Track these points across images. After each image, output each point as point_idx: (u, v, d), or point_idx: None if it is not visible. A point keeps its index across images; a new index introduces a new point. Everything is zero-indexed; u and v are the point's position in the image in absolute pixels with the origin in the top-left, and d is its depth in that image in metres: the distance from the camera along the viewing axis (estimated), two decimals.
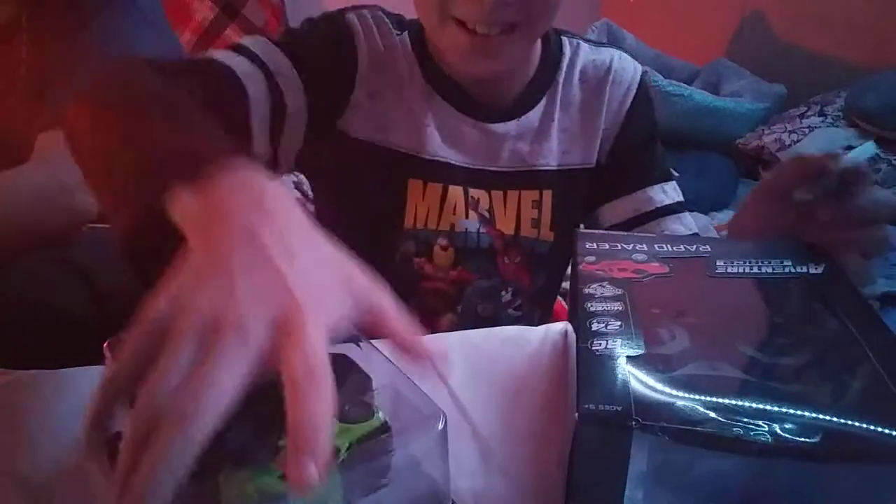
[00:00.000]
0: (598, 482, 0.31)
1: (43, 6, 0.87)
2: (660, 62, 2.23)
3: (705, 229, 1.61)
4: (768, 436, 0.29)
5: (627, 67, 0.73)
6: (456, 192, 0.68)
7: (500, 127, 0.69)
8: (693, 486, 0.31)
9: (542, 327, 0.51)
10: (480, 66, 0.62)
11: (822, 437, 0.29)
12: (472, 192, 0.69)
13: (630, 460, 0.30)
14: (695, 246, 0.46)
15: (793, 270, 0.43)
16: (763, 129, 1.97)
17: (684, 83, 2.06)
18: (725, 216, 1.74)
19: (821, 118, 1.91)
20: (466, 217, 0.69)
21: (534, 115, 0.70)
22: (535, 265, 0.73)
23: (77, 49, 0.85)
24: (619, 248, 0.46)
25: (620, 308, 0.38)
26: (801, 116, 1.94)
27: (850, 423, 0.29)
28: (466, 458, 0.39)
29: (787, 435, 0.29)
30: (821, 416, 0.30)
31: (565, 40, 0.72)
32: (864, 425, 0.29)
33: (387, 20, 0.68)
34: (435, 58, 0.67)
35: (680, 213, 0.72)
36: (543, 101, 0.70)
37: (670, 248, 0.46)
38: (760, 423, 0.29)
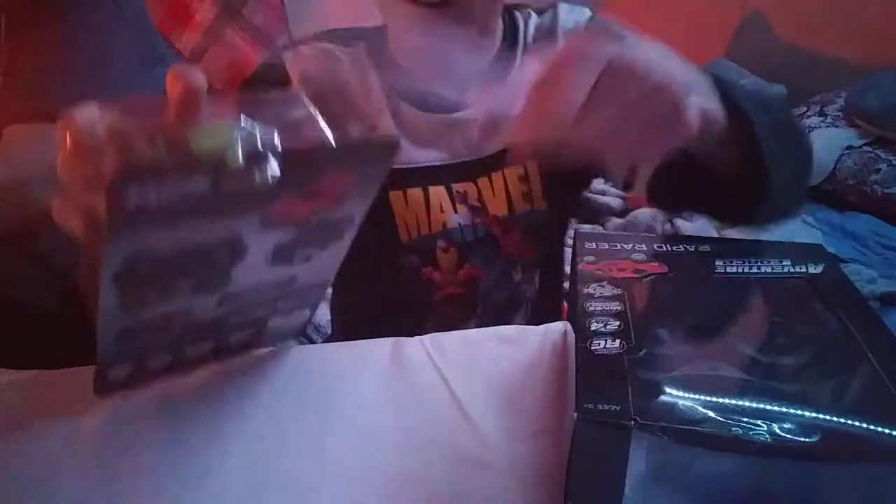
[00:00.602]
0: (598, 482, 0.31)
1: None
2: None
3: (705, 229, 1.61)
4: (767, 435, 0.29)
5: (571, 17, 0.72)
6: (437, 191, 0.68)
7: (468, 114, 0.68)
8: (692, 486, 0.31)
9: (542, 327, 0.51)
10: (429, 39, 0.61)
11: (822, 437, 0.29)
12: (458, 186, 0.69)
13: (629, 460, 0.30)
14: (694, 246, 0.46)
15: (792, 270, 0.43)
16: None
17: None
18: None
19: (821, 118, 1.91)
20: (455, 212, 0.69)
21: (495, 98, 0.69)
22: (537, 236, 0.73)
23: (49, 43, 0.85)
24: (619, 247, 0.46)
25: (619, 308, 0.38)
26: (801, 116, 1.94)
27: (849, 422, 0.29)
28: (466, 457, 0.39)
29: (786, 435, 0.29)
30: (820, 416, 0.30)
31: (518, 15, 0.72)
32: (864, 425, 0.29)
33: (330, 45, 0.67)
34: (394, 59, 0.67)
35: None
36: (508, 81, 0.70)
37: (670, 248, 0.46)
38: (759, 422, 0.29)
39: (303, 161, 0.34)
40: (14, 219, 0.76)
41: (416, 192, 0.67)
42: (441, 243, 0.70)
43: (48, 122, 0.86)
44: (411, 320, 0.72)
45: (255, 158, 0.32)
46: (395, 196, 0.67)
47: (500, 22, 0.70)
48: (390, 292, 0.72)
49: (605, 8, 2.57)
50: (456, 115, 0.68)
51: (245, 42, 1.91)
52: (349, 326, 0.83)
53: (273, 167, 0.32)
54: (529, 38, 0.71)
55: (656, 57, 0.39)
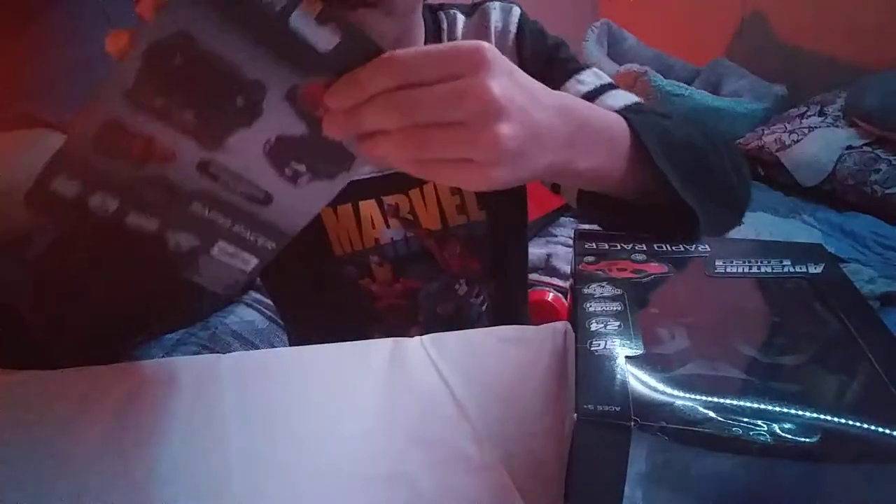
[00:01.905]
0: (598, 482, 0.31)
1: None
2: (660, 62, 2.23)
3: None
4: (767, 436, 0.29)
5: (502, 16, 0.69)
6: (368, 205, 0.66)
7: None
8: (692, 487, 0.31)
9: (542, 327, 0.51)
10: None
11: (822, 437, 0.29)
12: (389, 199, 0.67)
13: (629, 460, 0.30)
14: (694, 246, 0.46)
15: (792, 270, 0.43)
16: (763, 129, 1.98)
17: (684, 83, 2.07)
18: None
19: (821, 118, 1.91)
20: (387, 226, 0.67)
21: None
22: (479, 248, 0.70)
23: (28, 43, 0.85)
24: (619, 248, 0.46)
25: (619, 308, 0.38)
26: (801, 116, 1.94)
27: (849, 422, 0.29)
28: (465, 458, 0.39)
29: (786, 435, 0.29)
30: (820, 416, 0.30)
31: (441, 15, 0.69)
32: (864, 425, 0.29)
33: None
34: None
35: (609, 91, 0.64)
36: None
37: (669, 248, 0.46)
38: (759, 422, 0.29)
39: (358, 43, 0.35)
40: (2, 227, 0.76)
41: (346, 208, 0.66)
42: (374, 258, 0.69)
43: (34, 126, 0.85)
44: (355, 329, 0.71)
45: (326, 16, 0.34)
46: (325, 212, 0.65)
47: (422, 23, 0.67)
48: (331, 302, 0.71)
49: (606, 8, 2.57)
50: None
51: None
52: (299, 336, 0.83)
53: (333, 34, 0.34)
54: (458, 36, 0.68)
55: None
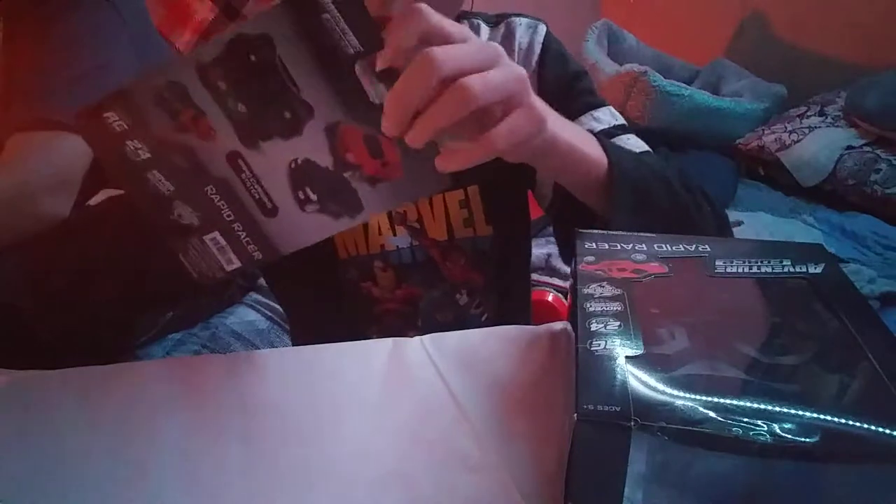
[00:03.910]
0: (598, 482, 0.31)
1: (12, 1, 0.85)
2: (660, 62, 2.23)
3: None
4: (767, 436, 0.29)
5: (528, 33, 0.69)
6: None
7: None
8: (693, 487, 0.31)
9: (542, 327, 0.51)
10: None
11: (822, 437, 0.29)
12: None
13: (629, 461, 0.30)
14: (694, 245, 0.46)
15: (792, 270, 0.43)
16: (763, 129, 1.97)
17: (684, 83, 2.06)
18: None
19: (821, 118, 1.91)
20: (394, 234, 0.68)
21: None
22: (483, 262, 0.71)
23: (47, 46, 0.85)
24: (619, 247, 0.46)
25: (619, 308, 0.38)
26: (801, 116, 1.94)
27: (849, 422, 0.29)
28: (465, 458, 0.39)
29: (786, 435, 0.29)
30: (820, 416, 0.30)
31: (465, 24, 0.69)
32: (864, 425, 0.29)
33: None
34: None
35: (620, 135, 0.65)
36: None
37: (670, 248, 0.46)
38: (759, 422, 0.29)
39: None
40: (13, 230, 0.76)
41: None
42: (378, 264, 0.69)
43: (50, 129, 0.85)
44: (353, 330, 0.71)
45: (386, 75, 0.38)
46: None
47: None
48: (332, 303, 0.71)
49: (606, 9, 2.57)
50: None
51: None
52: (301, 335, 0.83)
53: (386, 92, 0.38)
54: None
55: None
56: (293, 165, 0.42)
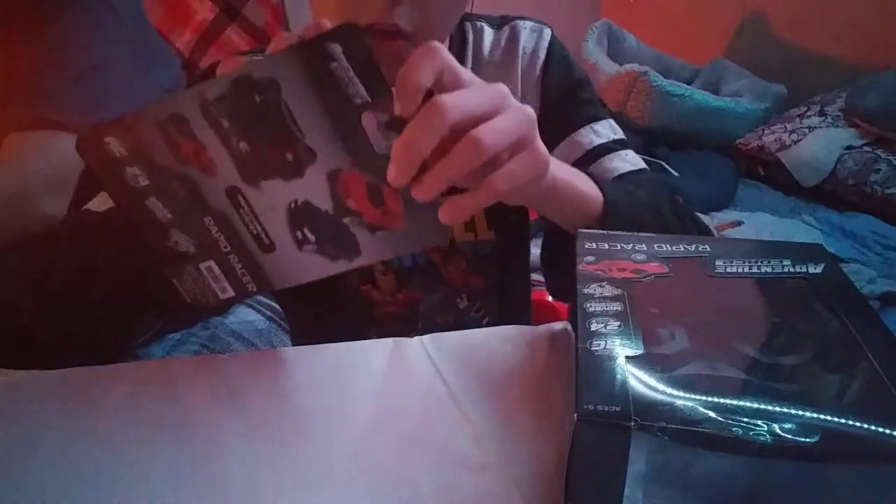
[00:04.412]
0: (597, 483, 0.31)
1: (10, 0, 0.85)
2: (660, 62, 2.23)
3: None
4: (767, 436, 0.29)
5: (532, 37, 0.69)
6: None
7: None
8: (693, 487, 0.31)
9: (542, 327, 0.51)
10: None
11: (822, 437, 0.29)
12: None
13: (630, 460, 0.30)
14: (694, 245, 0.46)
15: (792, 270, 0.43)
16: (763, 129, 1.98)
17: (684, 83, 2.07)
18: (725, 216, 1.74)
19: (821, 118, 1.91)
20: None
21: None
22: (484, 265, 0.71)
23: (44, 46, 0.85)
24: (619, 247, 0.46)
25: (620, 308, 0.38)
26: (801, 116, 1.94)
27: (849, 423, 0.29)
28: (465, 458, 0.39)
29: (786, 435, 0.29)
30: (820, 416, 0.30)
31: (467, 26, 0.69)
32: (864, 425, 0.29)
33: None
34: None
35: (619, 150, 0.66)
36: None
37: (670, 248, 0.46)
38: (760, 422, 0.29)
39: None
40: (11, 230, 0.76)
41: None
42: (379, 267, 0.69)
43: (48, 128, 0.85)
44: (353, 332, 0.71)
45: (393, 126, 0.37)
46: None
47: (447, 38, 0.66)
48: (331, 305, 0.71)
49: (606, 9, 2.57)
50: None
51: (245, 42, 1.91)
52: (301, 335, 0.83)
53: (390, 143, 0.37)
54: (484, 53, 0.68)
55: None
56: (292, 206, 0.42)
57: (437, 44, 0.38)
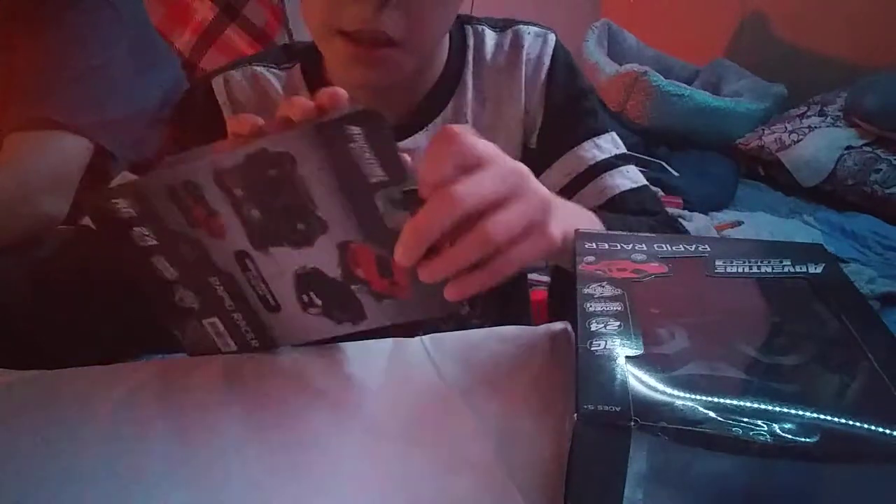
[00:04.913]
0: (597, 483, 0.31)
1: (10, 0, 0.85)
2: (660, 62, 2.23)
3: (706, 230, 1.60)
4: (767, 436, 0.29)
5: (537, 42, 0.68)
6: None
7: (408, 143, 0.64)
8: (693, 486, 0.31)
9: (542, 327, 0.51)
10: (365, 77, 0.58)
11: (822, 437, 0.29)
12: None
13: (630, 460, 0.30)
14: (694, 245, 0.46)
15: (792, 270, 0.43)
16: (763, 129, 1.97)
17: (684, 83, 2.06)
18: (725, 216, 1.74)
19: (821, 118, 1.91)
20: None
21: (442, 121, 0.65)
22: None
23: (45, 46, 0.85)
24: (619, 247, 0.46)
25: (619, 308, 0.38)
26: (801, 116, 1.94)
27: (849, 423, 0.29)
28: (465, 458, 0.39)
29: (786, 435, 0.29)
30: (820, 416, 0.30)
31: (468, 29, 0.68)
32: (864, 425, 0.29)
33: (260, 68, 0.66)
34: (331, 79, 0.64)
35: (621, 166, 0.66)
36: (452, 103, 0.66)
37: (670, 248, 0.46)
38: (760, 423, 0.29)
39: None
40: (12, 230, 0.76)
41: None
42: None
43: (49, 128, 0.85)
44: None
45: (405, 205, 0.39)
46: None
47: (446, 42, 0.66)
48: None
49: (606, 9, 2.57)
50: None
51: (245, 42, 1.91)
52: None
53: (403, 220, 0.38)
54: (486, 57, 0.67)
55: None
56: (300, 271, 0.43)
57: (455, 129, 0.38)
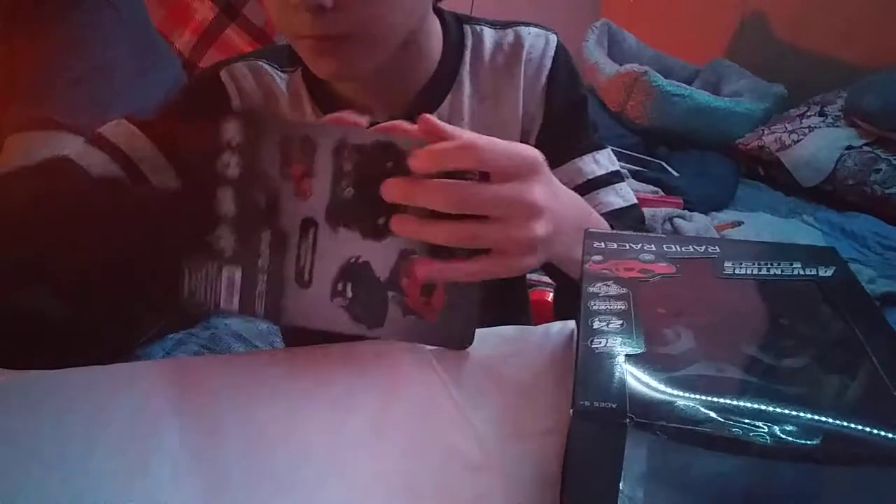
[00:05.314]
0: (593, 479, 0.31)
1: (12, 1, 0.85)
2: (660, 62, 2.23)
3: (706, 229, 1.60)
4: (767, 437, 0.28)
5: (538, 43, 0.67)
6: None
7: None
8: (693, 486, 0.31)
9: (542, 326, 0.51)
10: (336, 69, 0.57)
11: (823, 439, 0.28)
12: None
13: (630, 459, 0.30)
14: (704, 247, 0.46)
15: (802, 272, 0.42)
16: (763, 129, 1.98)
17: (684, 83, 2.07)
18: (726, 216, 1.74)
19: (821, 118, 1.91)
20: None
21: (437, 118, 0.66)
22: None
23: (47, 46, 0.85)
24: (627, 247, 0.46)
25: (624, 307, 0.38)
26: (801, 116, 1.95)
27: (851, 425, 0.29)
28: (465, 458, 0.39)
29: (786, 437, 0.28)
30: (822, 419, 0.30)
31: (467, 29, 0.68)
32: (866, 428, 0.29)
33: (266, 66, 0.66)
34: (326, 81, 0.64)
35: (615, 184, 0.68)
36: (448, 99, 0.66)
37: (679, 249, 0.45)
38: (760, 424, 0.29)
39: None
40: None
41: None
42: None
43: (50, 129, 0.85)
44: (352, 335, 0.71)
45: None
46: None
47: (435, 41, 0.66)
48: None
49: (606, 9, 2.57)
50: None
51: (245, 42, 1.91)
52: (296, 338, 0.83)
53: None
54: (485, 56, 0.67)
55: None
56: (353, 260, 0.44)
57: (477, 143, 0.41)
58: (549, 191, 0.45)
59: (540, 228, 0.44)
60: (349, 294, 0.44)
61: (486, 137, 0.41)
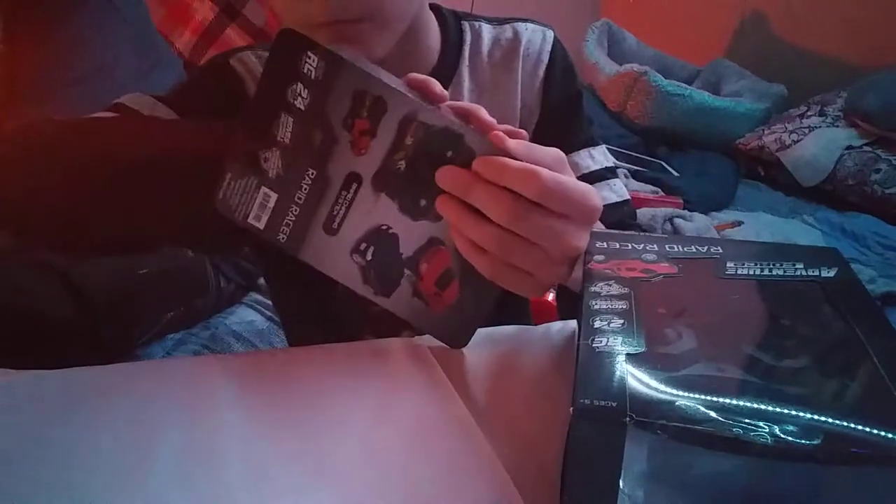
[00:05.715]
0: (593, 478, 0.31)
1: (15, 1, 0.85)
2: (660, 62, 2.23)
3: (706, 229, 1.60)
4: (768, 437, 0.28)
5: (535, 38, 0.68)
6: None
7: None
8: (694, 486, 0.31)
9: (542, 327, 0.51)
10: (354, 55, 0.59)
11: (824, 440, 0.28)
12: None
13: (629, 458, 0.30)
14: (706, 247, 0.46)
15: (804, 273, 0.42)
16: (763, 129, 1.98)
17: (684, 83, 2.07)
18: (725, 216, 1.74)
19: (821, 118, 1.91)
20: None
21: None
22: None
23: (49, 47, 0.85)
24: (630, 247, 0.46)
25: (625, 307, 0.38)
26: (801, 116, 1.95)
27: (851, 425, 0.29)
28: (466, 458, 0.39)
29: (787, 437, 0.28)
30: (822, 419, 0.30)
31: (465, 25, 0.69)
32: (866, 428, 0.29)
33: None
34: None
35: (609, 179, 0.69)
36: (448, 94, 0.67)
37: (681, 249, 0.45)
38: (760, 424, 0.29)
39: None
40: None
41: None
42: None
43: None
44: (350, 331, 0.71)
45: None
46: None
47: (433, 33, 0.66)
48: (327, 303, 0.71)
49: (606, 9, 2.57)
50: None
51: (245, 42, 1.90)
52: (295, 337, 0.82)
53: None
54: (483, 52, 0.68)
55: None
56: (383, 227, 0.44)
57: (543, 172, 0.40)
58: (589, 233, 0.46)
59: (572, 271, 0.44)
60: (368, 256, 0.45)
61: (548, 172, 0.40)
